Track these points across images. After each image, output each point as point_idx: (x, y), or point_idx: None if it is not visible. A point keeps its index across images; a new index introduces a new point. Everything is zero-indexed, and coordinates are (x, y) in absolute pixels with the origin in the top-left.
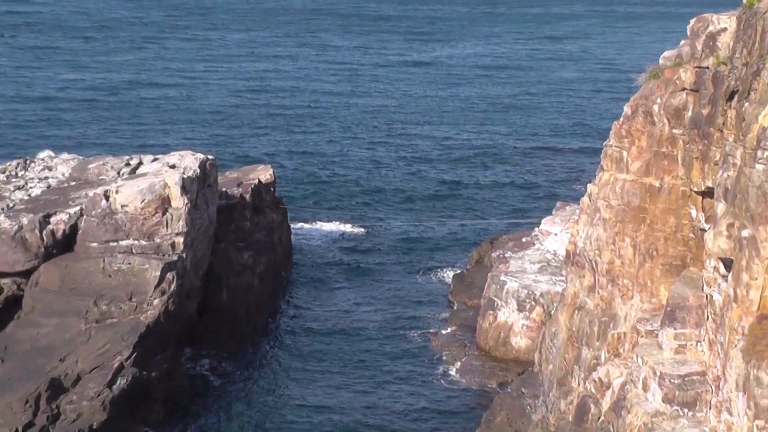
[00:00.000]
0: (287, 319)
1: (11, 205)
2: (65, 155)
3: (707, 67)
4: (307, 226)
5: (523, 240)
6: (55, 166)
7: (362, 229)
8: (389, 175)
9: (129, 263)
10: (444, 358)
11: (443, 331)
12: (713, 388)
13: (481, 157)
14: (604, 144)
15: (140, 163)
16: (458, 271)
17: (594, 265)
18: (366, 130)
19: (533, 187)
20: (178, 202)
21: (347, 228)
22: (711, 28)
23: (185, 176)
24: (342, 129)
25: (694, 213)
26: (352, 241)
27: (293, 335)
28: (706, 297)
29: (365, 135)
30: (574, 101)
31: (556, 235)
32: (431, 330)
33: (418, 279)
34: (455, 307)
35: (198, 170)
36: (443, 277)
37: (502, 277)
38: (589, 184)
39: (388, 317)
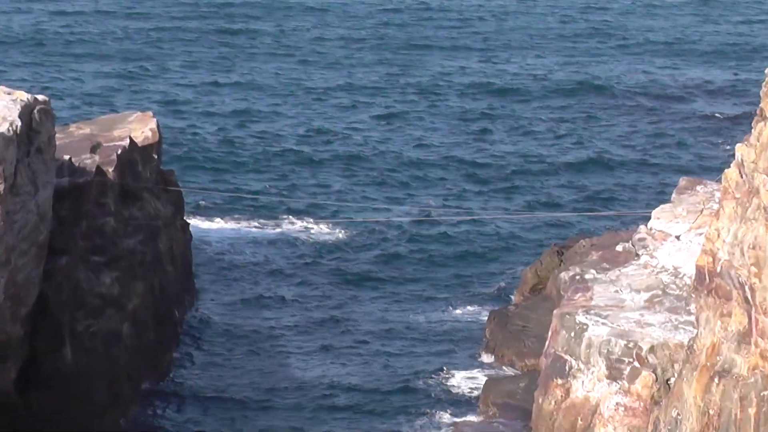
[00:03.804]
0: (185, 396)
1: None
2: None
3: None
4: (221, 223)
5: (618, 248)
6: None
7: (328, 230)
8: (371, 133)
9: None
10: None
11: (471, 416)
12: None
13: (535, 101)
14: (766, 71)
15: None
16: (499, 306)
17: (748, 294)
18: (332, 54)
19: (633, 152)
20: None
21: (300, 227)
22: None
23: None
24: (282, 50)
25: None
26: (308, 250)
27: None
28: None
29: (335, 64)
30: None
31: (677, 238)
32: (449, 413)
33: (425, 318)
34: (493, 370)
35: (18, 122)
36: (472, 314)
37: (581, 317)
38: (738, 146)
39: (369, 389)
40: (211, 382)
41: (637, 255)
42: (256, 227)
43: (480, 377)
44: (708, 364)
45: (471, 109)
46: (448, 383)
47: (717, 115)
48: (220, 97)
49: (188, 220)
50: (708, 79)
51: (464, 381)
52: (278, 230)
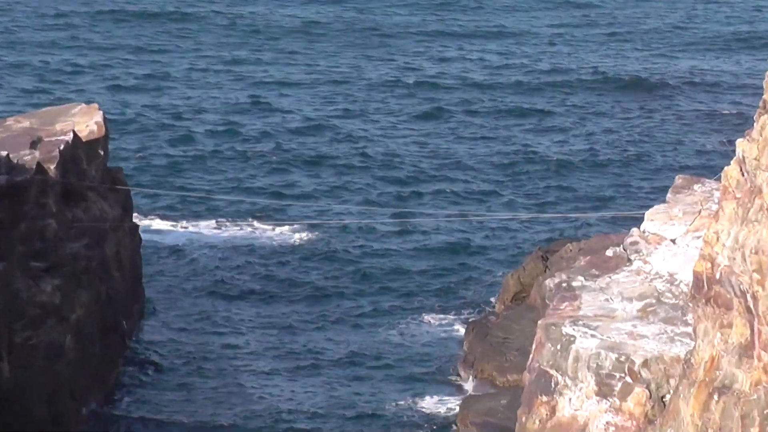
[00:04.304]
0: (132, 417)
1: None
2: None
3: None
4: (173, 226)
5: (608, 252)
6: None
7: (291, 233)
8: (336, 128)
9: None
10: None
11: None
12: None
13: (518, 95)
14: None
15: None
16: (478, 317)
17: (750, 303)
18: (292, 42)
19: (625, 148)
20: None
21: (259, 231)
22: None
23: None
24: (236, 37)
25: None
26: (268, 256)
27: None
28: None
29: (295, 53)
30: None
31: (673, 242)
32: None
33: (397, 331)
34: (471, 387)
35: None
36: (448, 325)
37: (567, 328)
38: (739, 141)
39: (335, 412)
40: (162, 402)
41: (629, 260)
42: (211, 230)
43: (457, 394)
44: (706, 379)
45: (447, 102)
46: (423, 401)
47: (716, 108)
48: (172, 88)
49: (137, 223)
50: (707, 69)
51: (440, 399)
52: (235, 234)
